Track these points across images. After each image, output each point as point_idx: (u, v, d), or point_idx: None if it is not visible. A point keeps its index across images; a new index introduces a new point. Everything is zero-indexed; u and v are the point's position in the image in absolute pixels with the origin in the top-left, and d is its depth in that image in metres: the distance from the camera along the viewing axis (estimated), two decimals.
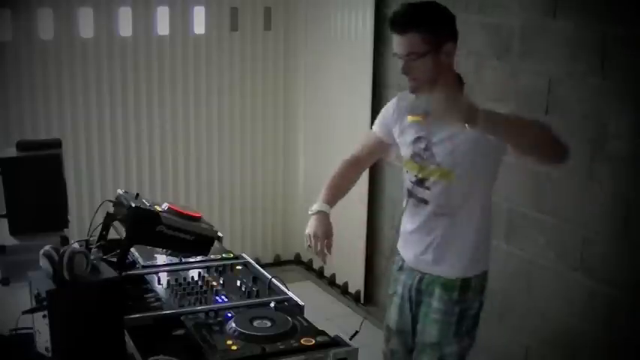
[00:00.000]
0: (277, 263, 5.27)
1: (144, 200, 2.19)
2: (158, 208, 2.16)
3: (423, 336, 2.46)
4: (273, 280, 2.39)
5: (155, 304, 2.20)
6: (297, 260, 5.36)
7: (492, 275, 3.57)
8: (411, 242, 2.50)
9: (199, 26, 4.74)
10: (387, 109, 2.56)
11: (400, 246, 2.58)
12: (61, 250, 1.84)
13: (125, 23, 4.51)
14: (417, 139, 2.39)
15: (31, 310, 1.86)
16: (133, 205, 2.09)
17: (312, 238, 2.45)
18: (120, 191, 2.23)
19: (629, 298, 2.88)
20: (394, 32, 2.27)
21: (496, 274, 3.54)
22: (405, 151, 2.45)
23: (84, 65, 4.45)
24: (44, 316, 1.80)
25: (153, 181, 4.81)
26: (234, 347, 1.91)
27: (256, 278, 2.43)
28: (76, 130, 4.51)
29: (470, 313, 2.45)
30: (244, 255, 2.66)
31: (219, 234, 2.38)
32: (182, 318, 2.09)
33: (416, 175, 2.41)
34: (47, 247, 1.88)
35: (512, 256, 3.41)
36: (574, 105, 3.03)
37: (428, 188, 2.38)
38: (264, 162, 5.10)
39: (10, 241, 2.57)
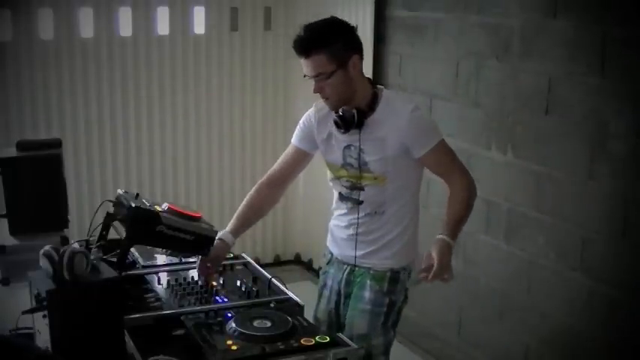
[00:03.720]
0: (277, 263, 5.27)
1: (144, 200, 2.19)
2: (158, 208, 2.16)
3: (351, 327, 2.49)
4: (273, 280, 2.40)
5: (155, 304, 2.20)
6: (297, 260, 5.36)
7: (492, 275, 3.59)
8: (344, 239, 2.56)
9: (199, 26, 4.74)
10: (308, 120, 2.57)
11: (330, 242, 2.65)
12: (61, 250, 1.84)
13: (125, 23, 4.51)
14: (347, 148, 2.44)
15: (31, 310, 1.86)
16: (133, 205, 2.09)
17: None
18: (120, 191, 2.23)
19: (628, 298, 2.88)
20: (299, 56, 2.34)
21: (496, 274, 3.55)
22: (334, 159, 2.49)
23: (84, 65, 4.45)
24: (44, 316, 1.80)
25: (153, 181, 4.81)
26: (234, 347, 1.91)
27: (256, 278, 2.44)
28: (76, 130, 4.51)
29: (397, 307, 2.52)
30: (244, 255, 2.67)
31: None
32: (182, 318, 2.09)
33: (349, 181, 2.48)
34: (47, 247, 1.88)
35: (513, 256, 3.41)
36: (574, 105, 3.03)
37: (362, 190, 2.46)
38: (264, 162, 5.09)
39: (10, 241, 2.57)
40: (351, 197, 2.49)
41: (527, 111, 3.26)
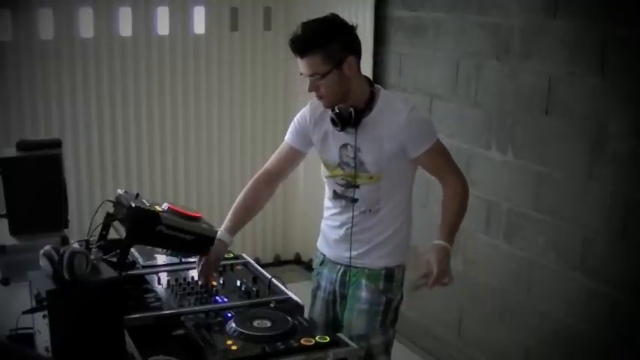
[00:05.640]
0: (277, 263, 5.27)
1: (144, 200, 2.19)
2: (158, 208, 2.16)
3: (350, 328, 2.47)
4: (273, 280, 2.40)
5: (155, 304, 2.20)
6: (297, 260, 5.36)
7: (492, 275, 3.58)
8: (337, 240, 2.53)
9: (199, 26, 4.74)
10: (303, 118, 2.56)
11: (321, 243, 2.63)
12: (61, 250, 1.84)
13: (125, 23, 4.51)
14: (344, 147, 2.43)
15: (31, 310, 1.86)
16: (133, 205, 2.09)
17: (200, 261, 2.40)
18: (120, 191, 2.24)
19: (628, 299, 2.88)
20: (295, 55, 2.34)
21: (496, 274, 3.55)
22: (330, 158, 2.48)
23: (84, 65, 4.45)
24: (44, 316, 1.80)
25: (153, 181, 4.81)
26: (234, 347, 1.91)
27: (256, 278, 2.44)
28: (76, 130, 4.51)
29: (394, 305, 2.50)
30: (244, 255, 2.67)
31: None
32: (182, 318, 2.09)
33: (344, 179, 2.46)
34: (47, 247, 1.88)
35: (513, 256, 3.41)
36: (574, 105, 3.03)
37: (358, 188, 2.43)
38: (264, 162, 5.07)
39: (10, 241, 2.57)
40: (346, 195, 2.46)
41: (527, 111, 3.26)
